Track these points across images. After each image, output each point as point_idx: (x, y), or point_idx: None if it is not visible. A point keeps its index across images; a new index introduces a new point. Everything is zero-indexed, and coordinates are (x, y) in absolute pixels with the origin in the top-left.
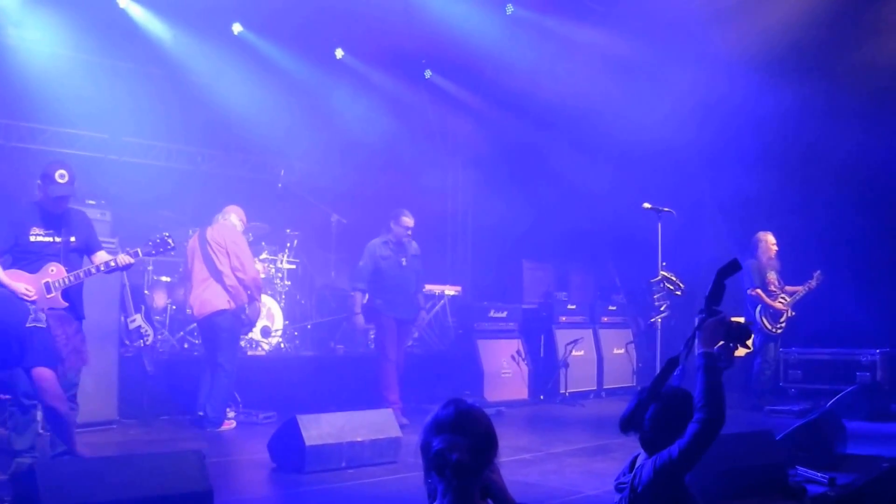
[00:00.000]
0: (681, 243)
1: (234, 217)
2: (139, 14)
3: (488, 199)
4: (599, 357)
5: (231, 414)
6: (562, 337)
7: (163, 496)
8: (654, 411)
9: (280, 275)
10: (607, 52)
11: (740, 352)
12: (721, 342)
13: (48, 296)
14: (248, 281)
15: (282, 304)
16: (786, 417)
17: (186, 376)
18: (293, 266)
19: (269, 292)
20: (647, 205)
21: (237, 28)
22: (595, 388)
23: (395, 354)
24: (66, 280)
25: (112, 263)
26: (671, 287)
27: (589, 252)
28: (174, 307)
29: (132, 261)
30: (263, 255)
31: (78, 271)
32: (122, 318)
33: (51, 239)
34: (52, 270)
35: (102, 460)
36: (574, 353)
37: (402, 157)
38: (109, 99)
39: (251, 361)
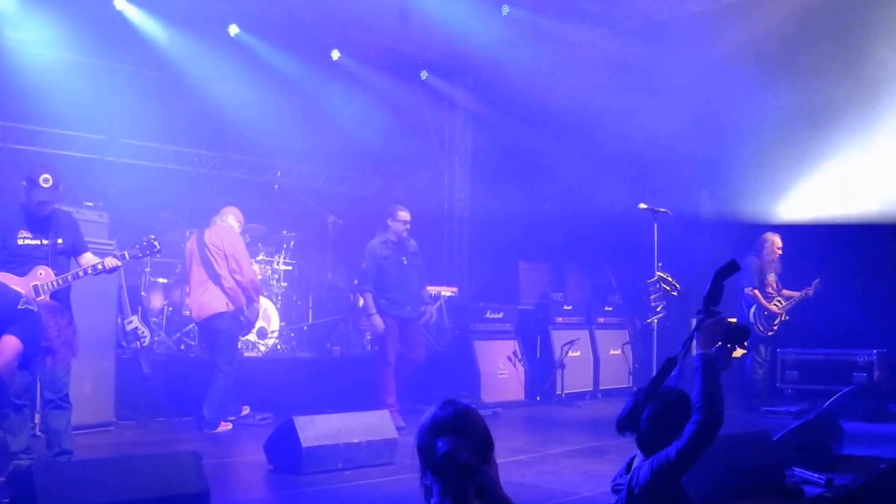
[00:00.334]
0: (677, 244)
1: (231, 219)
2: (136, 16)
3: (484, 200)
4: (596, 358)
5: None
6: (558, 338)
7: (160, 497)
8: (650, 412)
9: (276, 276)
10: (603, 53)
11: (738, 353)
12: (719, 343)
13: (37, 299)
14: (245, 283)
15: (278, 306)
16: (782, 418)
17: (183, 378)
18: (290, 267)
19: (266, 294)
20: (643, 205)
21: (233, 30)
22: (591, 388)
23: (394, 357)
24: (55, 283)
25: (99, 266)
26: (667, 288)
27: (585, 253)
28: (171, 308)
29: (119, 263)
30: (260, 257)
31: (66, 274)
32: (119, 320)
33: (38, 242)
34: (41, 273)
35: (99, 462)
36: (570, 353)
37: (398, 158)
38: (107, 101)
39: (247, 363)
